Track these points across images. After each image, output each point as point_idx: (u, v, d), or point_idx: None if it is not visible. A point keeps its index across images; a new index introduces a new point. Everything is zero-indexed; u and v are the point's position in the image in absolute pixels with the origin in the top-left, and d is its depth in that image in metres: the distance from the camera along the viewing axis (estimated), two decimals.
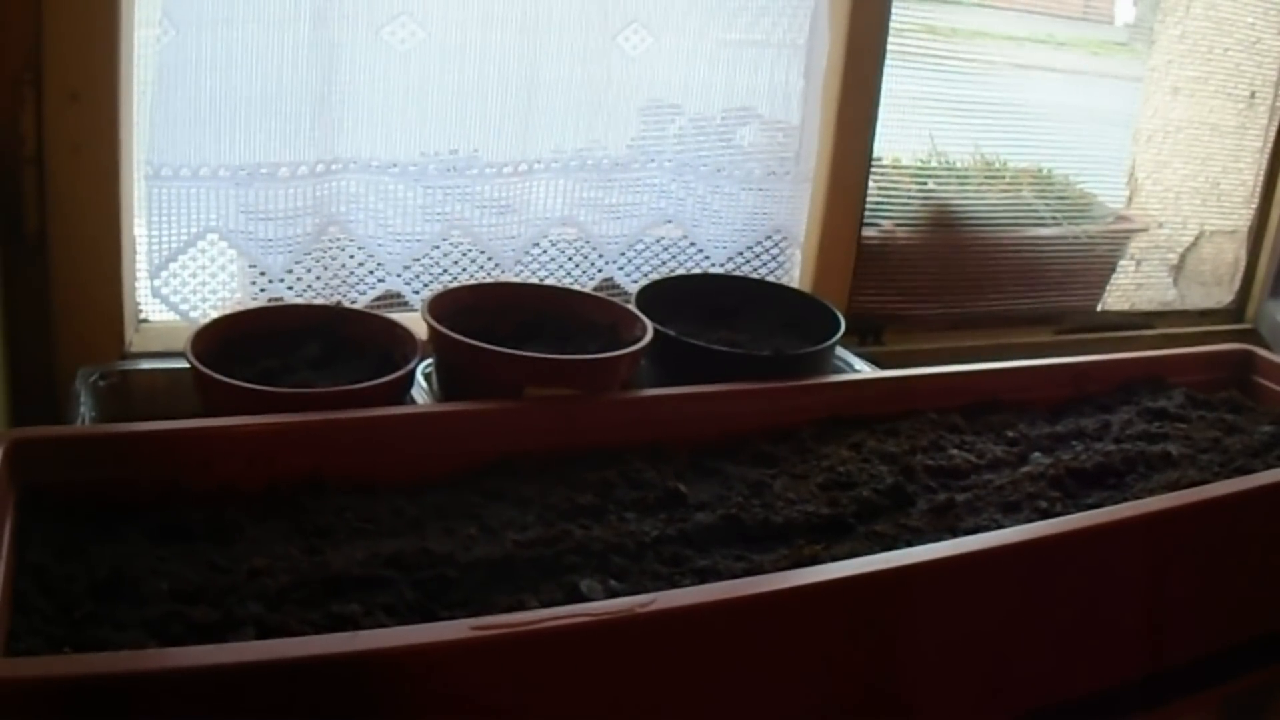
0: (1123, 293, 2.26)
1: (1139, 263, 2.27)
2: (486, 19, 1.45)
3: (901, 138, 1.94)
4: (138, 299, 1.45)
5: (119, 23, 1.29)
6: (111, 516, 1.01)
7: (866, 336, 1.93)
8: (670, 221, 1.69)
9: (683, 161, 1.66)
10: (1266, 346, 1.99)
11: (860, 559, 1.01)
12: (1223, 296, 2.34)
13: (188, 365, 1.16)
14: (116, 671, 0.75)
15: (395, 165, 1.47)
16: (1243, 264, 2.32)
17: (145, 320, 1.47)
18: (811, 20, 1.67)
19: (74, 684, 0.74)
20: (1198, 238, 2.32)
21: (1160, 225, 2.27)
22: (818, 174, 1.76)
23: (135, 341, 1.43)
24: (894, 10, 1.77)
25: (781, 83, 1.67)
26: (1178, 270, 2.33)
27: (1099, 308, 2.22)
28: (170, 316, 1.45)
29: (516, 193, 1.55)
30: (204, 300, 1.45)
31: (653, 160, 1.64)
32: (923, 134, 1.99)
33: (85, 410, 1.25)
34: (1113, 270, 2.21)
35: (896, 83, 1.82)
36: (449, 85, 1.46)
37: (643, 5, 1.54)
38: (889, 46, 1.78)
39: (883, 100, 1.80)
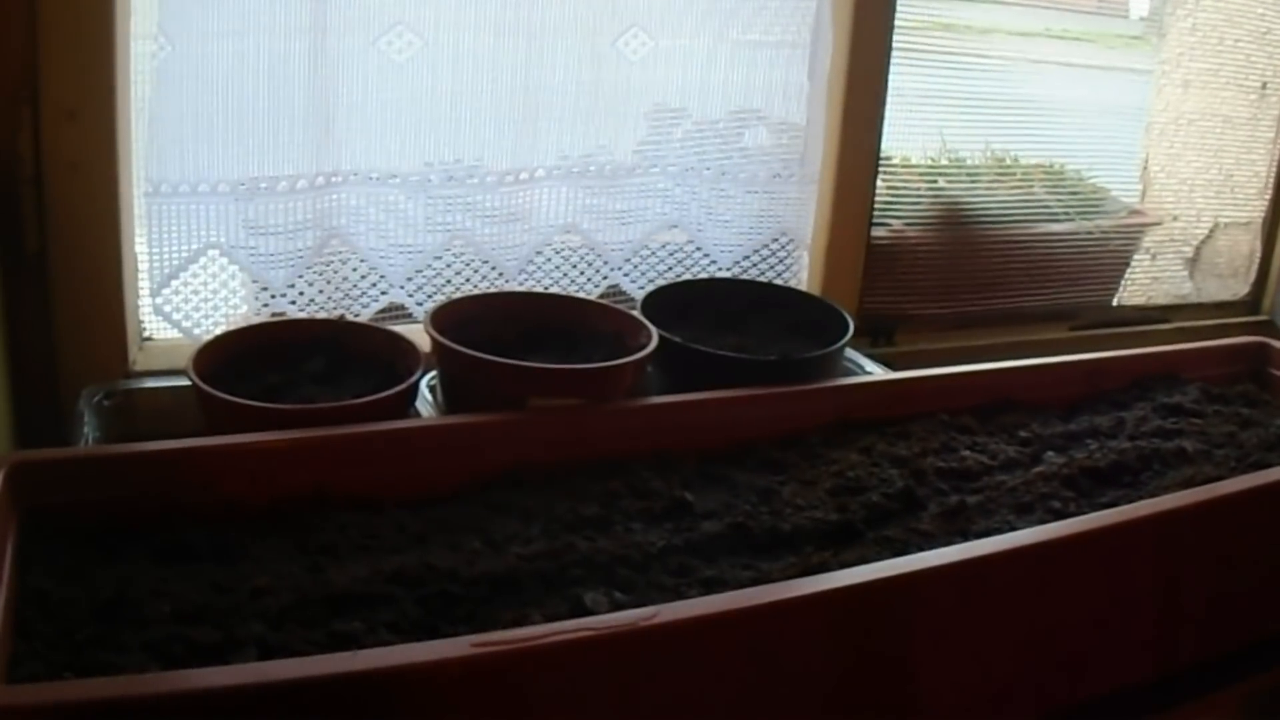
0: (1138, 287, 2.25)
1: (1154, 256, 2.26)
2: (484, 27, 1.44)
3: (911, 136, 1.93)
4: (141, 317, 1.44)
5: (115, 39, 1.29)
6: (114, 537, 1.00)
7: (878, 337, 1.92)
8: (675, 227, 1.68)
9: (687, 166, 1.65)
10: None
11: (869, 566, 1.00)
12: (1239, 289, 2.33)
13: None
14: (117, 696, 0.74)
15: (396, 176, 1.46)
16: (1258, 256, 2.31)
17: (149, 338, 1.46)
18: (815, 19, 1.65)
19: (75, 710, 0.73)
20: (1212, 230, 2.30)
21: (1174, 218, 2.26)
22: (824, 175, 1.74)
23: (139, 360, 1.43)
24: (904, 7, 1.76)
25: (785, 83, 1.66)
26: (1193, 263, 2.32)
27: (1114, 303, 2.21)
28: (174, 334, 1.44)
29: (519, 201, 1.54)
30: (207, 317, 1.45)
31: (656, 165, 1.63)
32: (933, 132, 1.98)
33: (89, 430, 1.24)
34: (1127, 265, 2.20)
35: (906, 80, 1.81)
36: (448, 94, 1.45)
37: (642, 10, 1.53)
38: (899, 44, 1.78)
39: (892, 99, 1.79)
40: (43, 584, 0.92)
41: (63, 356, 1.36)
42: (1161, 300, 2.26)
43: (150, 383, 1.37)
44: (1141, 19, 2.29)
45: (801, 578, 1.00)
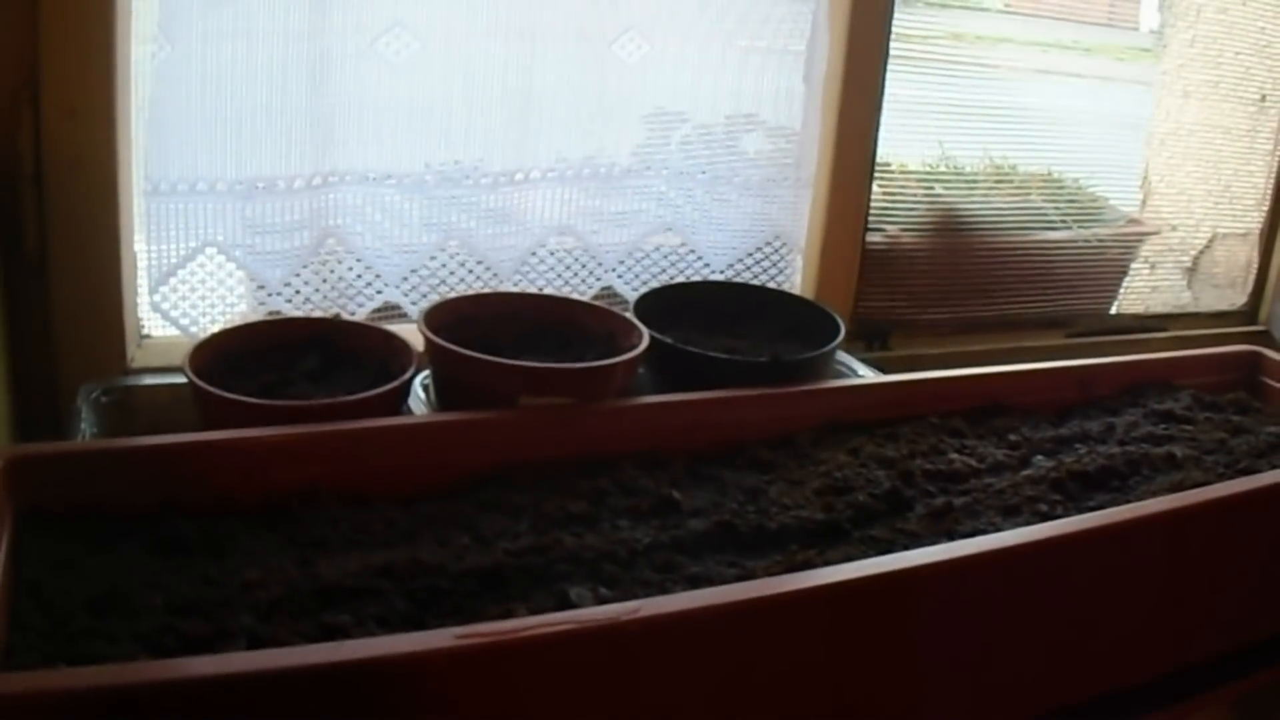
0: (1137, 296, 2.25)
1: (1153, 266, 2.27)
2: (480, 30, 1.44)
3: (910, 142, 1.93)
4: (140, 314, 1.45)
5: (115, 39, 1.29)
6: (108, 531, 1.01)
7: (873, 342, 1.92)
8: (670, 229, 1.68)
9: (681, 169, 1.65)
10: (1279, 348, 1.97)
11: (852, 563, 1.00)
12: (1236, 299, 2.33)
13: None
14: (106, 684, 0.75)
15: (392, 177, 1.47)
16: (1255, 266, 2.31)
17: (148, 336, 1.47)
18: (811, 25, 1.66)
19: (65, 698, 0.74)
20: (1210, 240, 2.31)
21: (1173, 228, 2.27)
22: (819, 179, 1.75)
23: (138, 357, 1.43)
24: (904, 15, 1.77)
25: (781, 88, 1.66)
26: (1191, 273, 2.32)
27: (1112, 311, 2.21)
28: (172, 332, 1.45)
29: (515, 202, 1.55)
30: (204, 314, 1.45)
31: (650, 168, 1.63)
32: (932, 140, 1.98)
33: (87, 427, 1.25)
34: (1125, 273, 2.20)
35: (906, 88, 1.81)
36: (444, 96, 1.46)
37: (638, 14, 1.54)
38: (899, 51, 1.78)
39: (891, 105, 1.79)
40: (37, 576, 0.93)
41: (61, 353, 1.37)
42: (1159, 309, 2.27)
43: (148, 380, 1.37)
44: (1151, 31, 2.30)
45: (785, 574, 1.01)
